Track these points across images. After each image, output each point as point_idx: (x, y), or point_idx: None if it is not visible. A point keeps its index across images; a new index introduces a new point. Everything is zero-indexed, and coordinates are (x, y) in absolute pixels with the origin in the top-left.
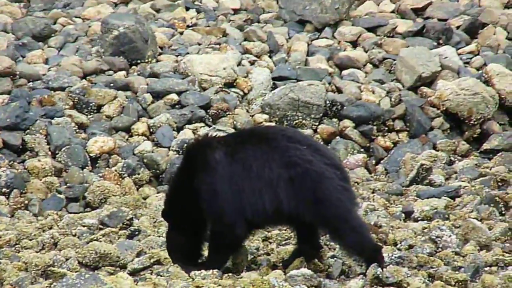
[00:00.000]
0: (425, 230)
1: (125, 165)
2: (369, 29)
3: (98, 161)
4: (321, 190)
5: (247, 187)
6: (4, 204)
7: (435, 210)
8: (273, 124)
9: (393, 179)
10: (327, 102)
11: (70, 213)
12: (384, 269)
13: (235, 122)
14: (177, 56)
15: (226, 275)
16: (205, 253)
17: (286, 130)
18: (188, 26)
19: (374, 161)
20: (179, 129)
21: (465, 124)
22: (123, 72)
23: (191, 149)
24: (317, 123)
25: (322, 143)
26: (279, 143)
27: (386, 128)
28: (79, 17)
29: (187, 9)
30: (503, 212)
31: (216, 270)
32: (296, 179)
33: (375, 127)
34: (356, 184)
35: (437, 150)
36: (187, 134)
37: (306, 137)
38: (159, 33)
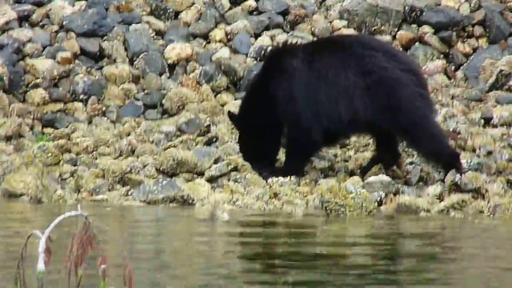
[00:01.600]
0: (504, 136)
1: (202, 71)
2: None
3: (176, 68)
4: (396, 97)
5: (324, 95)
6: (82, 111)
7: None
8: (351, 30)
9: (473, 85)
10: (406, 7)
11: (148, 119)
12: (463, 175)
13: (313, 29)
14: None
15: (303, 181)
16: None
17: (361, 37)
18: None
19: (453, 67)
20: (256, 36)
21: None
22: None
23: (269, 56)
24: (396, 29)
25: (400, 49)
26: (354, 51)
27: (466, 34)
28: None
29: None
30: None
31: (294, 176)
32: (371, 87)
33: (454, 33)
34: (435, 90)
35: None
36: (265, 40)
37: (382, 44)
38: None
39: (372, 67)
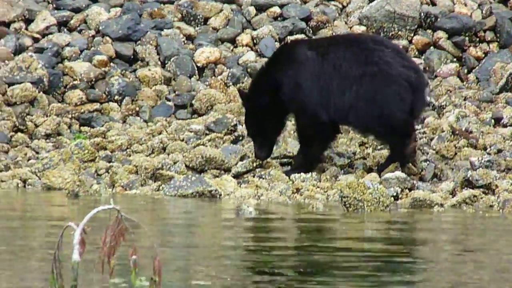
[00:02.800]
0: None
1: (230, 74)
2: None
3: (205, 71)
4: (381, 90)
5: (335, 86)
6: (117, 111)
7: None
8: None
9: (484, 87)
10: (422, 14)
11: (178, 119)
12: (474, 172)
13: (334, 34)
14: None
15: (324, 177)
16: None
17: (376, 36)
18: None
19: (466, 70)
20: (281, 40)
21: None
22: None
23: (283, 46)
24: (412, 34)
25: (416, 53)
26: (367, 46)
27: (478, 39)
28: None
29: None
30: None
31: (312, 163)
32: (368, 76)
33: (467, 38)
34: (449, 92)
35: None
36: None
37: (393, 44)
38: None
39: (377, 60)
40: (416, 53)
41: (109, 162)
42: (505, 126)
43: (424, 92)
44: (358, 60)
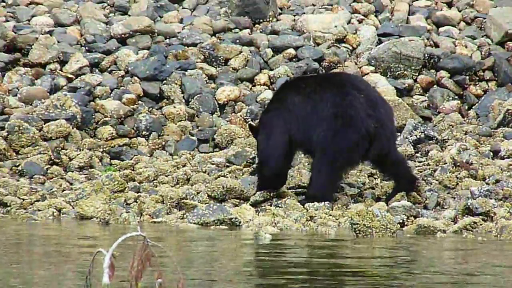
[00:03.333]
0: (510, 167)
1: (248, 111)
2: None
3: (226, 108)
4: (336, 131)
5: (314, 123)
6: (144, 145)
7: None
8: (377, 75)
9: (483, 122)
10: (426, 55)
11: (201, 152)
12: (474, 201)
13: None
14: (294, 15)
15: (336, 206)
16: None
17: (358, 80)
18: None
19: (466, 107)
20: None
21: None
22: (248, 30)
23: (280, 87)
24: (417, 74)
25: (421, 91)
26: (345, 89)
27: (477, 78)
28: None
29: None
30: None
31: (328, 202)
32: (332, 116)
33: (467, 77)
34: (451, 126)
35: None
36: None
37: (370, 89)
38: None
39: (347, 104)
40: (421, 91)
41: (137, 192)
42: (502, 158)
43: (382, 143)
44: (333, 101)
